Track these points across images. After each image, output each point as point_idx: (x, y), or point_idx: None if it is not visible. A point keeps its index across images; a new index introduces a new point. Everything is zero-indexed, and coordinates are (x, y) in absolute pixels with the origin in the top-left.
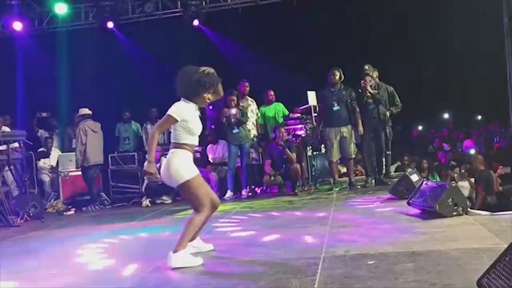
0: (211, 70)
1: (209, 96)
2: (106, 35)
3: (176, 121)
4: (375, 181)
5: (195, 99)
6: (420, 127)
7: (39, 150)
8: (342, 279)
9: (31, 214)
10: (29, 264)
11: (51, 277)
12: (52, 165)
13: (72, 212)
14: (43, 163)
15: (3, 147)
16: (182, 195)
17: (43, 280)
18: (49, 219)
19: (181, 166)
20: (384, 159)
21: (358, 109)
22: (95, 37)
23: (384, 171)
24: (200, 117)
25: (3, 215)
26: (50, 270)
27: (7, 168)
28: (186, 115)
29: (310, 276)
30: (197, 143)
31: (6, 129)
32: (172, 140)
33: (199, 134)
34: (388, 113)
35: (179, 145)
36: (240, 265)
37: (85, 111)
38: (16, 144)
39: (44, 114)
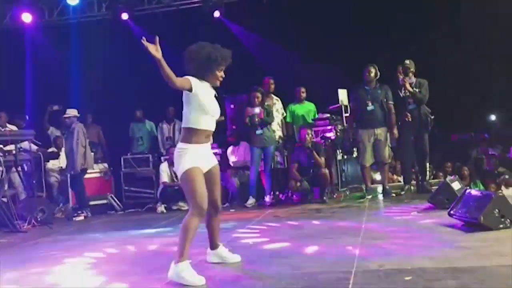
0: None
1: (221, 74)
2: (120, 28)
3: (190, 89)
4: (417, 188)
5: (208, 77)
6: (460, 131)
7: (48, 150)
8: None
9: (39, 219)
10: (34, 274)
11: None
12: (61, 167)
13: (82, 217)
14: (52, 164)
15: (10, 147)
16: (181, 186)
17: None
18: (58, 225)
19: (181, 159)
20: (428, 164)
21: (393, 110)
22: (108, 30)
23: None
24: (216, 98)
25: (9, 220)
26: (55, 281)
27: (14, 169)
28: (198, 88)
29: None
30: (213, 128)
31: (13, 127)
32: (182, 125)
33: (215, 116)
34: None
35: (188, 133)
36: (263, 278)
37: (76, 112)
38: (25, 144)
39: (55, 107)
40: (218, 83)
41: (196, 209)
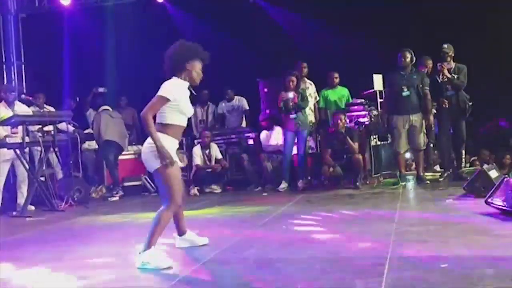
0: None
1: (197, 70)
2: (156, 9)
3: (168, 100)
4: (452, 176)
5: (182, 74)
6: (497, 118)
7: (85, 132)
8: (412, 282)
9: (75, 199)
10: (75, 252)
11: (97, 268)
12: (96, 148)
13: (116, 198)
14: (87, 145)
15: (49, 128)
16: (156, 182)
17: (89, 270)
18: (93, 204)
19: (154, 153)
20: (463, 152)
21: (429, 96)
22: (144, 12)
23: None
24: (190, 98)
25: (47, 199)
26: (96, 260)
27: (52, 150)
28: (177, 94)
29: (376, 278)
30: (185, 124)
31: (51, 109)
32: (157, 121)
33: (189, 115)
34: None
35: (163, 127)
36: (297, 262)
37: (104, 107)
38: (63, 125)
39: (101, 89)
40: (197, 81)
41: (172, 203)
